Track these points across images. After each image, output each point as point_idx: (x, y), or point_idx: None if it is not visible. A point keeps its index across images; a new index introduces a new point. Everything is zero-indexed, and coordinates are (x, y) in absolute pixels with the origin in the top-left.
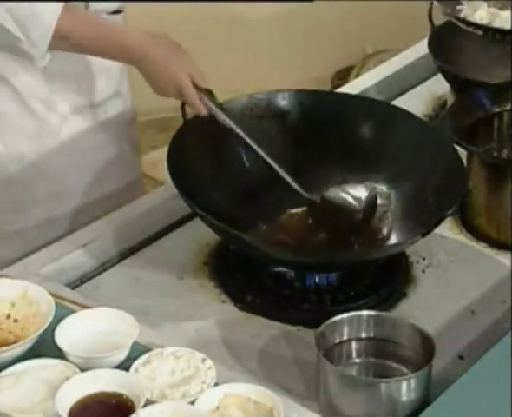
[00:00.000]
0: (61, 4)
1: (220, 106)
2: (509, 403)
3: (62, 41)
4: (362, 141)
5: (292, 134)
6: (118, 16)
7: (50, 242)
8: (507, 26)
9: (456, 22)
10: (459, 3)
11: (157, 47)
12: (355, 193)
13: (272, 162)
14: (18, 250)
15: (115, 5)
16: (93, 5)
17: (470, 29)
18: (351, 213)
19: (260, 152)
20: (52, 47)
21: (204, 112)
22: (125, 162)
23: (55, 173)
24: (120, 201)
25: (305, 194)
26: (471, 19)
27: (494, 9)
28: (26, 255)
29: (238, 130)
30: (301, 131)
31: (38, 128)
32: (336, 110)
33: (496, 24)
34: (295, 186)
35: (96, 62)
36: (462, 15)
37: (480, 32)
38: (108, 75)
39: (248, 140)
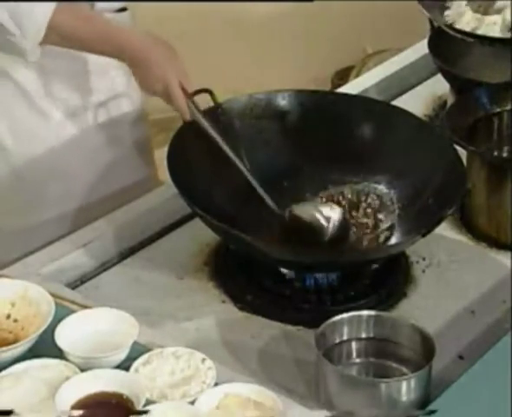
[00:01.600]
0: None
1: (211, 111)
2: (509, 403)
3: (56, 34)
4: (362, 141)
5: (292, 134)
6: (123, 15)
7: (51, 242)
8: (492, 32)
9: (445, 28)
10: (445, 8)
11: (152, 46)
12: (327, 212)
13: (249, 176)
14: (28, 247)
15: (120, 4)
16: (98, 4)
17: (458, 36)
18: (318, 231)
19: (238, 164)
20: (46, 41)
21: (187, 117)
22: (135, 160)
23: (64, 173)
24: (131, 199)
25: (276, 210)
26: (458, 25)
27: (478, 15)
28: (37, 250)
29: (218, 140)
30: (301, 131)
31: (46, 127)
32: (336, 110)
33: (481, 31)
34: (268, 201)
35: (103, 61)
36: (449, 20)
37: (469, 39)
38: (116, 73)
39: (229, 152)
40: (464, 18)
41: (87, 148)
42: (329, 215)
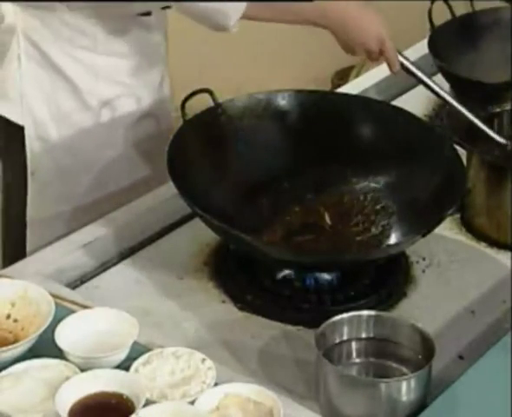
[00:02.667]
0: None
1: (211, 111)
2: (509, 403)
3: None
4: (362, 141)
5: (292, 134)
6: (148, 18)
7: (50, 242)
8: None
9: None
10: None
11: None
12: None
13: None
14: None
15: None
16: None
17: None
18: None
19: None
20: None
21: (398, 68)
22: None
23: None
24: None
25: None
26: None
27: None
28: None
29: (427, 80)
30: (301, 131)
31: (92, 121)
32: (336, 110)
33: None
34: None
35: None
36: None
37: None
38: (152, 75)
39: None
40: None
41: (126, 138)
42: None
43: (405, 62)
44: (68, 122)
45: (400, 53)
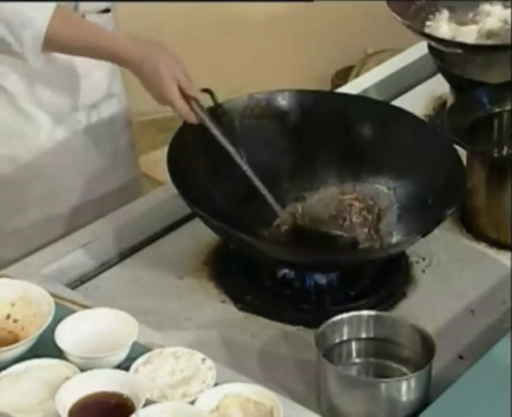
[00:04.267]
0: (51, 9)
1: (211, 111)
2: (509, 403)
3: (53, 45)
4: (362, 141)
5: (292, 134)
6: (106, 15)
7: (49, 242)
8: (468, 40)
9: (422, 37)
10: (427, 19)
11: (146, 53)
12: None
13: (252, 177)
14: (16, 250)
15: (104, 5)
16: (82, 5)
17: (433, 43)
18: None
19: (242, 163)
20: (44, 50)
21: (193, 120)
22: (120, 163)
23: (49, 173)
24: (116, 201)
25: (279, 211)
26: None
27: (454, 26)
28: (24, 256)
29: (222, 140)
30: (301, 131)
31: (31, 129)
32: (336, 110)
33: (460, 38)
34: (271, 201)
35: (87, 63)
36: (427, 31)
37: (442, 47)
38: (100, 76)
39: (232, 150)
40: (442, 30)
41: (71, 150)
42: None
43: (201, 116)
44: (7, 132)
45: (195, 99)
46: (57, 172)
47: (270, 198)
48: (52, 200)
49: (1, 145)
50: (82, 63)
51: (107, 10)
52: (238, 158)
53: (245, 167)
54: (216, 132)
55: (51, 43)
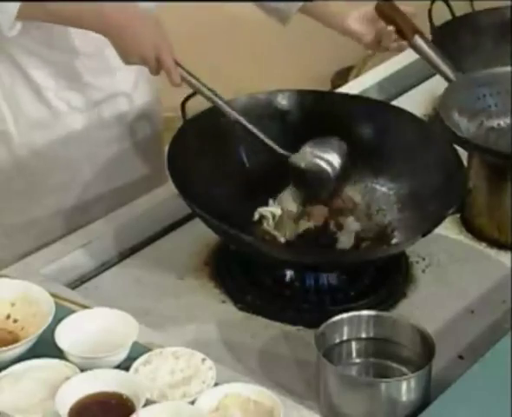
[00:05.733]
0: None
1: (211, 111)
2: (509, 403)
3: (40, 8)
4: (362, 141)
5: (292, 134)
6: None
7: (50, 242)
8: None
9: None
10: None
11: (139, 17)
12: (328, 157)
13: (249, 126)
14: (34, 240)
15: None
16: None
17: None
18: (324, 179)
19: (238, 117)
20: (27, 15)
21: (178, 80)
22: (139, 156)
23: (66, 164)
24: (140, 191)
25: (284, 153)
26: None
27: None
28: (41, 246)
29: (215, 99)
30: (301, 131)
31: (51, 118)
32: (336, 110)
33: None
34: (273, 145)
35: (114, 57)
36: None
37: None
38: (125, 69)
39: (226, 107)
40: None
41: (91, 142)
42: (329, 159)
43: (186, 76)
44: (27, 119)
45: (180, 65)
46: (76, 163)
47: (272, 143)
48: (69, 191)
49: (22, 134)
50: (106, 58)
51: None
52: (233, 112)
53: (240, 119)
54: (206, 90)
55: (39, 6)
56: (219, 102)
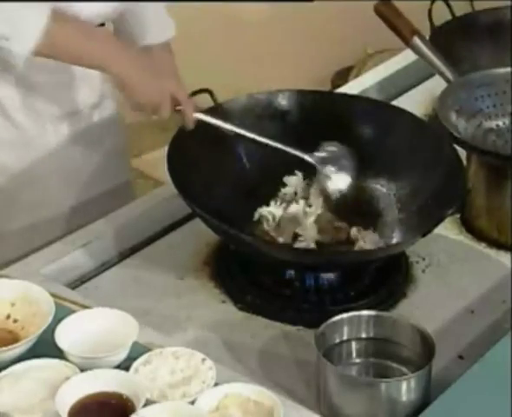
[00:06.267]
0: (48, 6)
1: (211, 111)
2: (509, 403)
3: (49, 47)
4: (362, 141)
5: (292, 134)
6: (101, 29)
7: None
8: None
9: None
10: None
11: (138, 69)
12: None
13: (276, 144)
14: (2, 255)
15: (101, 19)
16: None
17: None
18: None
19: (262, 139)
20: (38, 52)
21: (191, 126)
22: (110, 168)
23: (38, 181)
24: (108, 206)
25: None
26: None
27: None
28: (9, 262)
29: (237, 130)
30: (301, 131)
31: (17, 136)
32: (336, 110)
33: None
34: (302, 155)
35: (78, 71)
36: None
37: None
38: (90, 83)
39: (247, 133)
40: None
41: (61, 156)
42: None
43: (202, 117)
44: None
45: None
46: (47, 179)
47: (300, 153)
48: (42, 206)
49: None
50: (72, 73)
51: (102, 24)
52: (255, 136)
53: (267, 141)
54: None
55: (48, 45)
56: (242, 132)
